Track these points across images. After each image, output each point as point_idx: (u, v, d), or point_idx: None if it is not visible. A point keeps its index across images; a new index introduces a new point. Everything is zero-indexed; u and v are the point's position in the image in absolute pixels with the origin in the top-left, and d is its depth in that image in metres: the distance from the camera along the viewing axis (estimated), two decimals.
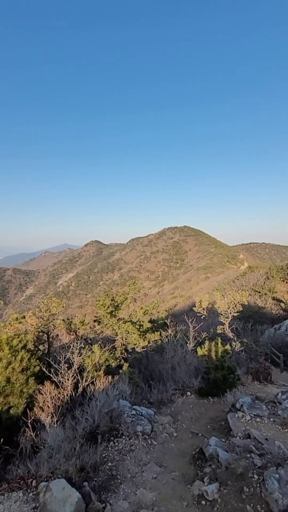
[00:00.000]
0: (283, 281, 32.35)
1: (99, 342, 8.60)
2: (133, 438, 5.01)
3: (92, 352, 7.51)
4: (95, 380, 6.28)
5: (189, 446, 4.97)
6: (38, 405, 5.38)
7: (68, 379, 5.96)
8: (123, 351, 9.10)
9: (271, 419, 5.23)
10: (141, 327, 9.37)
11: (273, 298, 27.96)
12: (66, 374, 6.02)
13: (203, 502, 3.42)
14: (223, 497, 3.35)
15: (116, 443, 4.83)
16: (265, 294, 29.11)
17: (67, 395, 5.85)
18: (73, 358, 6.50)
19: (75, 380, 6.07)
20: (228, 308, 12.47)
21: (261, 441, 4.44)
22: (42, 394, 5.52)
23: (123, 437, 4.99)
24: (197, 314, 13.42)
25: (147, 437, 5.11)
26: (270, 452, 3.81)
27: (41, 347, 8.42)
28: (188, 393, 7.35)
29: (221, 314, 12.69)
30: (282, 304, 26.03)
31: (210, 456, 4.22)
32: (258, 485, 3.32)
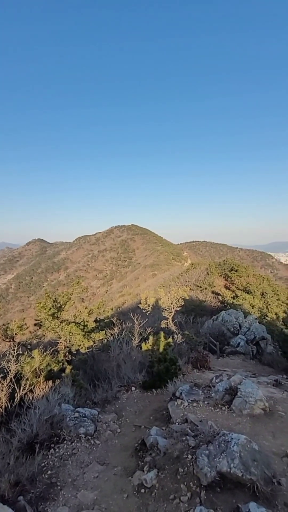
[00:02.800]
0: (221, 276, 35.62)
1: (40, 347, 8.13)
2: (75, 441, 4.90)
3: (32, 357, 7.05)
4: (35, 387, 5.92)
5: (132, 440, 5.10)
6: None
7: (2, 390, 5.48)
8: (67, 353, 8.78)
9: (206, 402, 5.73)
10: (86, 327, 9.18)
11: (212, 292, 30.57)
12: (0, 385, 5.53)
13: (143, 491, 3.56)
14: (161, 482, 3.55)
15: (57, 450, 4.66)
16: (206, 288, 31.59)
17: (1, 407, 5.38)
18: (9, 366, 6.00)
19: (10, 389, 5.62)
20: (171, 303, 13.14)
21: (196, 423, 4.83)
22: None
23: (65, 442, 4.84)
24: (143, 310, 13.80)
25: (90, 437, 5.05)
26: (202, 432, 4.17)
27: None
28: (133, 388, 7.52)
29: (165, 309, 13.30)
30: (220, 297, 28.65)
31: (151, 445, 4.41)
32: (191, 464, 3.61)
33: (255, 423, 4.81)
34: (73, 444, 4.82)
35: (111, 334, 10.04)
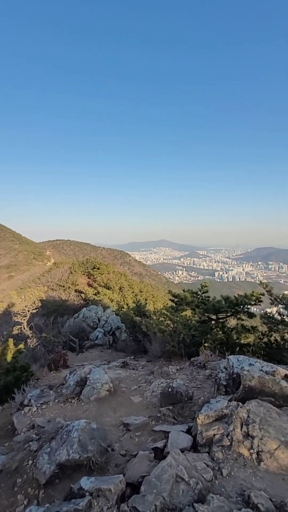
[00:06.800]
0: (84, 274, 36.37)
1: None
2: None
3: None
4: None
5: None
6: None
7: None
8: None
9: (57, 401, 5.67)
10: None
11: (76, 290, 30.68)
12: None
13: None
14: None
15: None
16: (69, 287, 31.26)
17: None
18: None
19: None
20: (25, 307, 12.03)
21: (43, 425, 4.67)
22: None
23: None
24: None
25: None
26: (47, 432, 4.09)
27: None
28: None
29: (19, 314, 12.02)
30: (83, 295, 29.23)
31: None
32: (31, 469, 3.46)
33: (100, 405, 5.25)
34: None
35: None
